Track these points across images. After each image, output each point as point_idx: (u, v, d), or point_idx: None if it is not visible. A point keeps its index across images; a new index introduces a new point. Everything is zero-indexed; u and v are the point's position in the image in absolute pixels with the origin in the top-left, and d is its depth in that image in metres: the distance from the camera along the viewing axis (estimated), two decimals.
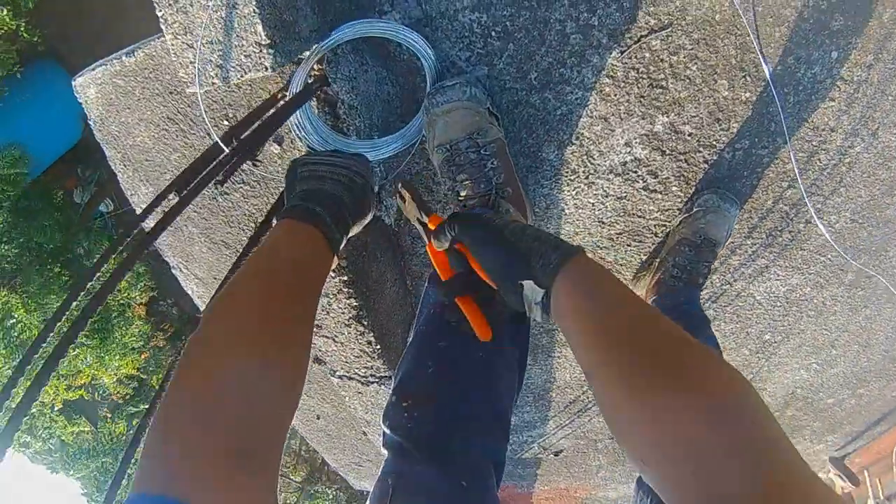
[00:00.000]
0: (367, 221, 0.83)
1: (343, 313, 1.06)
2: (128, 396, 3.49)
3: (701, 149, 0.99)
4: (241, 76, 0.84)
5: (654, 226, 1.10)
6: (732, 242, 1.11)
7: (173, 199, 0.86)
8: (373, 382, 1.20)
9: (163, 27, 0.83)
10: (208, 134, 1.21)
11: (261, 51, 0.79)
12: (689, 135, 0.97)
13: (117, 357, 3.13)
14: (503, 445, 0.78)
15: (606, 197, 1.08)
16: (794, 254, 1.13)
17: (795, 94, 0.92)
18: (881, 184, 1.01)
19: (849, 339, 1.33)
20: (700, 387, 0.45)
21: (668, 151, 1.00)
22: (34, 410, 3.33)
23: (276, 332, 0.56)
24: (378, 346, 1.10)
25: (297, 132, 0.99)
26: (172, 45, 0.84)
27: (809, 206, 1.01)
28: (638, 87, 0.93)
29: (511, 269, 0.64)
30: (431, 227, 0.77)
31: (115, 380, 3.27)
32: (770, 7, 0.85)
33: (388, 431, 0.74)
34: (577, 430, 1.56)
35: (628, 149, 1.00)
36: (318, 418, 1.83)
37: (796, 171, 0.97)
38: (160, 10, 0.82)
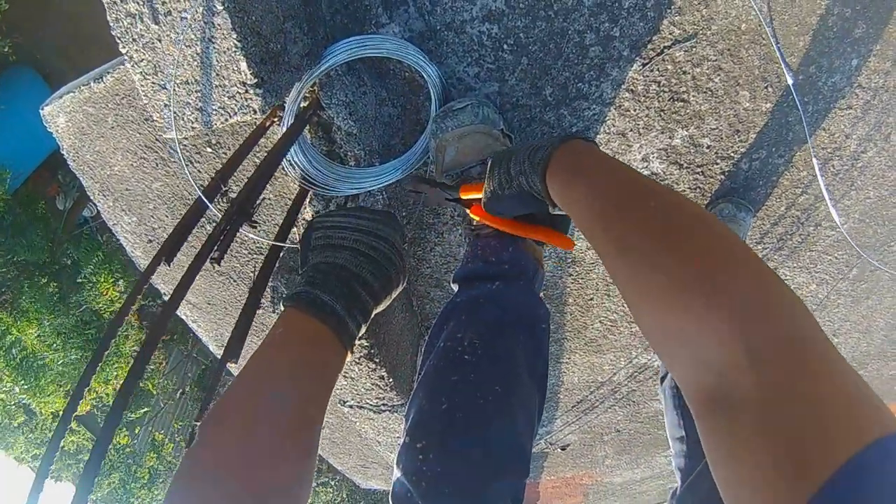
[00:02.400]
0: (396, 293, 0.74)
1: (354, 352, 0.99)
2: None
3: (719, 160, 0.95)
4: (226, 120, 0.72)
5: None
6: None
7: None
8: (385, 411, 1.15)
9: (129, 66, 0.70)
10: (201, 185, 1.09)
11: (246, 91, 0.68)
12: (708, 147, 0.93)
13: (116, 368, 3.05)
14: (523, 482, 0.72)
15: None
16: (803, 255, 1.13)
17: (815, 102, 0.89)
18: (889, 185, 1.01)
19: (850, 328, 1.37)
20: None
21: (685, 165, 0.96)
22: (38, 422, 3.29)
23: (270, 470, 0.52)
24: (391, 380, 1.04)
25: (287, 163, 0.90)
26: (142, 85, 0.72)
27: (833, 213, 0.99)
28: (658, 101, 0.88)
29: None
30: (463, 195, 0.77)
31: (112, 390, 3.19)
32: (796, 16, 0.80)
33: (399, 476, 0.67)
34: (585, 425, 1.56)
35: (645, 164, 0.96)
36: (322, 428, 1.78)
37: (820, 178, 0.95)
38: (124, 47, 0.69)
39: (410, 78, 0.89)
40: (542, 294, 0.89)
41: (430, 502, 0.63)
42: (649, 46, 0.83)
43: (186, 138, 1.04)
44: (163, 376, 3.97)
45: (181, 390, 4.25)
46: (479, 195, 0.75)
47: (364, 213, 0.73)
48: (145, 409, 3.91)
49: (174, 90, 0.70)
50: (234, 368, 0.95)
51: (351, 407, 1.18)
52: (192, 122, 0.73)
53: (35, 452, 3.34)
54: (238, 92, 0.68)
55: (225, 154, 1.01)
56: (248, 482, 0.50)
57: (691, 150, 0.94)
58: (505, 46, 0.85)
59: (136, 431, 4.08)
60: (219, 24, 0.64)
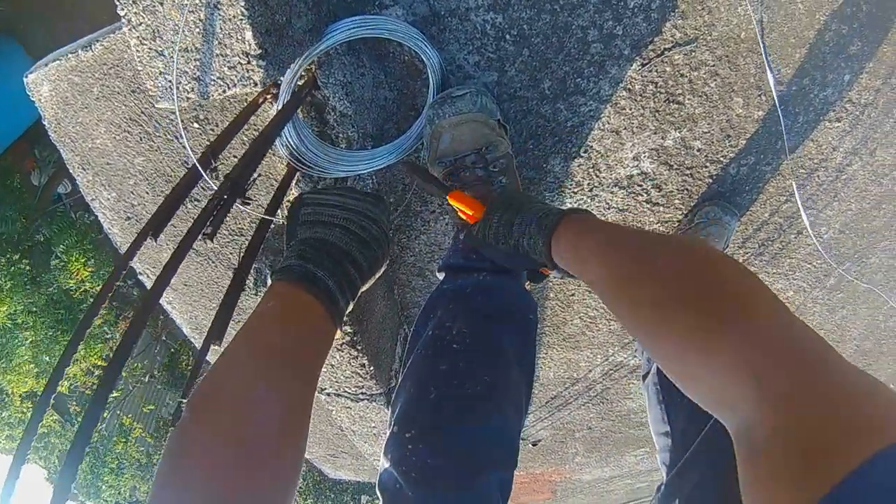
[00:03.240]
0: (379, 275, 0.72)
1: (336, 339, 0.98)
2: (94, 386, 3.32)
3: (708, 164, 0.96)
4: (224, 92, 0.70)
5: None
6: (727, 251, 1.12)
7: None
8: (363, 399, 1.14)
9: (126, 30, 0.67)
10: (185, 162, 1.06)
11: (249, 62, 0.66)
12: (699, 150, 0.95)
13: (83, 347, 2.96)
14: (511, 473, 0.72)
15: (608, 209, 1.04)
16: (783, 261, 1.16)
17: (805, 113, 0.91)
18: (871, 198, 1.04)
19: (824, 336, 1.41)
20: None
21: (675, 166, 0.97)
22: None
23: (259, 450, 0.50)
24: (371, 368, 1.03)
25: (278, 142, 0.87)
26: (138, 51, 0.69)
27: (806, 221, 1.02)
28: (654, 102, 0.89)
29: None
30: (452, 202, 0.78)
31: (82, 371, 3.09)
32: (794, 29, 0.82)
33: (387, 466, 0.66)
34: (558, 421, 1.58)
35: (636, 162, 0.97)
36: None
37: (795, 189, 0.97)
38: (122, 9, 0.66)
39: (410, 62, 0.88)
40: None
41: (420, 492, 0.63)
42: (650, 47, 0.84)
43: (177, 110, 1.01)
44: (131, 359, 3.88)
45: (150, 374, 4.17)
46: (467, 209, 0.76)
47: (355, 194, 0.71)
48: (114, 394, 3.82)
49: (174, 57, 0.67)
50: (217, 349, 0.94)
51: (329, 395, 1.16)
52: (188, 93, 0.70)
53: (7, 433, 3.24)
54: (240, 62, 0.67)
55: (212, 131, 0.99)
56: (241, 478, 0.48)
57: (682, 152, 0.95)
58: (507, 37, 0.84)
59: (105, 416, 3.99)
60: None
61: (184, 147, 0.85)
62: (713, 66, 0.85)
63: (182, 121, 0.99)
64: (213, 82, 0.69)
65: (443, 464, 0.65)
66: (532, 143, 0.96)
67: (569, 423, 1.58)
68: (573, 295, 1.24)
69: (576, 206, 1.04)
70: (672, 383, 0.94)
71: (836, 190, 1.02)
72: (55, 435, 3.61)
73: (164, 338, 4.19)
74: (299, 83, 0.81)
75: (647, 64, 0.85)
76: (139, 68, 0.71)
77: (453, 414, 0.69)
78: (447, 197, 0.78)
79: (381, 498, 0.68)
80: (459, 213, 0.80)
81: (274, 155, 0.97)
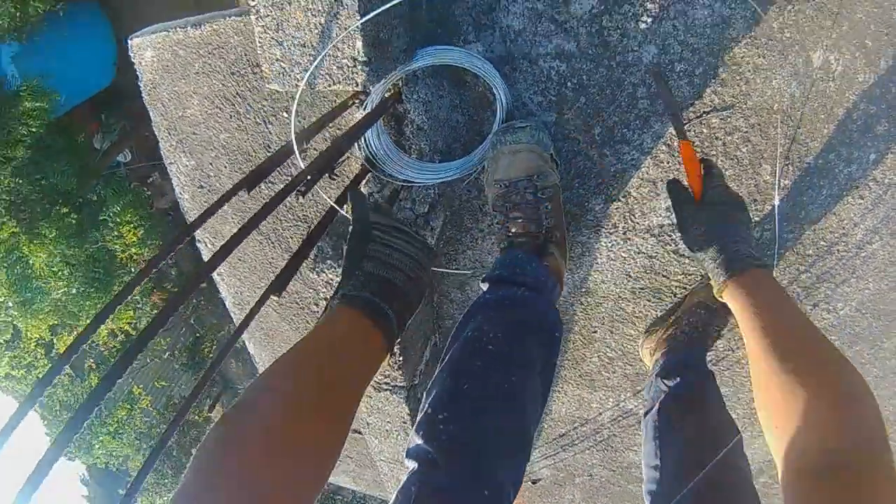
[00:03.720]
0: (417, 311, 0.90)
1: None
2: (115, 350, 3.43)
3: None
4: (329, 86, 0.86)
5: (676, 287, 1.17)
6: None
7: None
8: (385, 390, 1.22)
9: (253, 18, 0.85)
10: (267, 145, 1.21)
11: (355, 66, 0.82)
12: None
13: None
14: (524, 469, 0.80)
15: (638, 254, 1.14)
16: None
17: (830, 187, 1.00)
18: (891, 280, 1.10)
19: None
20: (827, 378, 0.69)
21: None
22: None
23: (309, 447, 0.62)
24: (401, 359, 1.13)
25: (358, 143, 1.02)
26: (261, 38, 0.86)
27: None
28: None
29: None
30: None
31: (107, 332, 3.24)
32: (824, 105, 0.93)
33: (420, 442, 0.75)
34: (560, 462, 1.61)
35: (668, 213, 1.07)
36: None
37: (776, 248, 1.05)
38: (253, 0, 0.83)
39: (482, 93, 1.03)
40: None
41: (448, 461, 0.71)
42: (690, 109, 0.96)
43: (273, 96, 1.16)
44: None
45: (170, 352, 4.30)
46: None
47: (416, 243, 0.86)
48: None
49: (290, 48, 0.83)
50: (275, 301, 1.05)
51: None
52: (297, 80, 0.86)
53: (13, 374, 3.35)
54: (347, 65, 0.82)
55: (299, 121, 1.14)
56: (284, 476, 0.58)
57: None
58: (569, 84, 0.98)
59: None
60: (347, 4, 0.77)
61: (291, 124, 0.99)
62: (746, 132, 0.96)
63: (274, 108, 1.15)
64: (321, 76, 0.85)
65: (469, 445, 0.74)
66: (578, 182, 1.08)
67: (571, 465, 1.60)
68: (595, 332, 1.31)
69: (612, 246, 1.14)
70: (668, 424, 1.01)
71: (854, 266, 1.08)
72: (62, 387, 3.70)
73: (192, 321, 4.35)
74: (387, 94, 0.97)
75: (686, 124, 0.97)
76: (259, 52, 0.87)
77: (483, 404, 0.79)
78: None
79: (411, 463, 0.76)
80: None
81: (350, 155, 1.12)
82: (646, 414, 1.10)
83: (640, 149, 1.01)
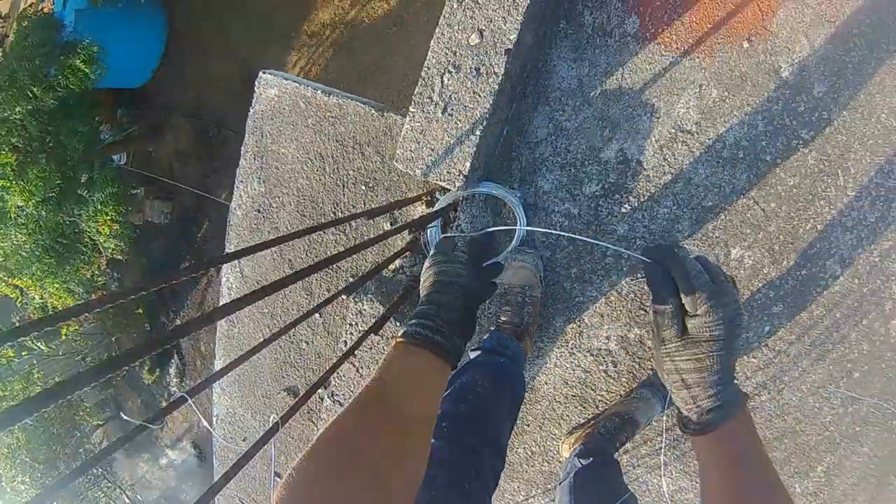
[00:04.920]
0: None
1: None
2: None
3: (651, 360, 1.49)
4: (435, 180, 1.29)
5: (599, 400, 1.56)
6: (647, 433, 1.57)
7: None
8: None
9: (407, 118, 1.29)
10: (336, 202, 1.58)
11: (459, 176, 1.27)
12: (649, 348, 1.48)
13: (57, 287, 3.06)
14: (501, 468, 1.13)
15: (577, 367, 1.54)
16: (690, 462, 1.57)
17: None
18: (774, 430, 1.49)
19: None
20: None
21: (631, 353, 1.50)
22: None
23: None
24: None
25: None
26: (406, 131, 1.31)
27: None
28: (631, 305, 1.46)
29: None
30: None
31: (39, 305, 3.18)
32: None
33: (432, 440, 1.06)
34: None
35: (607, 341, 1.50)
36: (244, 440, 2.00)
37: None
38: (414, 108, 1.29)
39: (508, 222, 1.47)
40: None
41: (450, 442, 1.04)
42: (638, 272, 1.43)
43: (360, 171, 1.53)
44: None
45: (82, 357, 4.12)
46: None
47: (480, 271, 0.93)
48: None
49: (423, 147, 1.26)
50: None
51: (335, 401, 1.53)
52: (416, 168, 1.28)
53: None
54: (453, 173, 1.27)
55: (371, 196, 1.54)
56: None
57: (638, 345, 1.48)
58: (565, 235, 1.44)
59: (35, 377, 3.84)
60: (470, 141, 1.23)
61: (358, 194, 1.37)
62: None
63: (356, 180, 1.53)
64: (433, 172, 1.28)
65: (464, 441, 1.07)
66: (550, 301, 1.51)
67: None
68: (528, 426, 1.66)
69: (559, 356, 1.55)
70: (581, 486, 1.34)
71: None
72: None
73: (113, 339, 4.29)
74: (449, 202, 1.40)
75: (635, 280, 1.43)
76: (400, 140, 1.30)
77: (475, 422, 1.15)
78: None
79: None
80: None
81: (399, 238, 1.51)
82: (560, 483, 1.44)
83: (599, 290, 1.46)
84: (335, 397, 1.52)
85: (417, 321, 0.77)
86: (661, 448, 1.56)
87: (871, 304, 1.39)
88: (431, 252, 0.89)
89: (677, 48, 1.37)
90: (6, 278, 3.16)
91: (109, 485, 4.76)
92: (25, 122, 2.80)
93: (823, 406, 1.49)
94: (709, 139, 1.38)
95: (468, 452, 1.05)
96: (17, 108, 2.72)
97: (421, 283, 0.87)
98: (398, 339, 0.75)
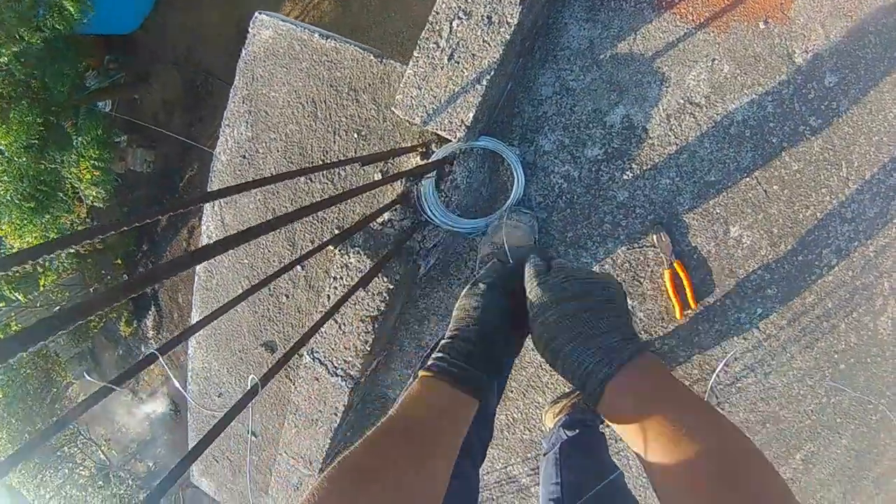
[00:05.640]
0: None
1: (368, 311, 1.36)
2: (17, 275, 3.29)
3: (643, 332, 1.46)
4: (435, 129, 1.24)
5: None
6: None
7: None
8: (338, 376, 1.46)
9: (411, 62, 1.24)
10: (325, 150, 1.52)
11: (461, 126, 1.21)
12: (640, 320, 1.45)
13: (36, 234, 3.01)
14: (489, 440, 1.11)
15: None
16: None
17: (720, 324, 1.43)
18: (758, 413, 1.49)
19: None
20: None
21: None
22: None
23: None
24: (367, 350, 1.39)
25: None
26: (408, 77, 1.25)
27: None
28: (625, 275, 1.42)
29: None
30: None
31: (18, 247, 3.12)
32: (731, 264, 1.38)
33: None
34: None
35: None
36: (219, 396, 1.95)
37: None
38: (418, 53, 1.23)
39: (504, 182, 1.43)
40: None
41: None
42: (636, 242, 1.39)
43: (352, 118, 1.47)
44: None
45: (60, 308, 4.08)
46: None
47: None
48: None
49: (424, 94, 1.21)
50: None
51: (314, 358, 1.48)
52: (416, 115, 1.23)
53: None
54: (455, 123, 1.21)
55: (363, 145, 1.48)
56: None
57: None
58: (563, 197, 1.40)
59: None
60: (476, 91, 1.17)
61: (350, 141, 1.31)
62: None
63: (349, 127, 1.47)
64: (433, 121, 1.22)
65: None
66: None
67: None
68: (511, 392, 1.63)
69: None
70: (566, 457, 1.31)
71: (729, 394, 1.48)
72: None
73: (91, 289, 4.25)
74: (446, 154, 1.34)
75: (630, 249, 1.40)
76: (402, 85, 1.25)
77: None
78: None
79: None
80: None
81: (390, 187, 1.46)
82: (545, 454, 1.41)
83: (594, 256, 1.43)
84: (315, 354, 1.47)
85: (444, 355, 0.70)
86: None
87: (862, 297, 1.40)
88: (481, 277, 0.79)
89: (693, 20, 1.34)
90: None
91: (85, 440, 4.70)
92: (11, 66, 2.72)
93: (808, 394, 1.49)
94: (717, 114, 1.35)
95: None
96: (4, 51, 2.65)
97: (459, 308, 0.77)
98: (424, 374, 0.69)
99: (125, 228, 0.66)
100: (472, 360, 0.69)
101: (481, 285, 0.77)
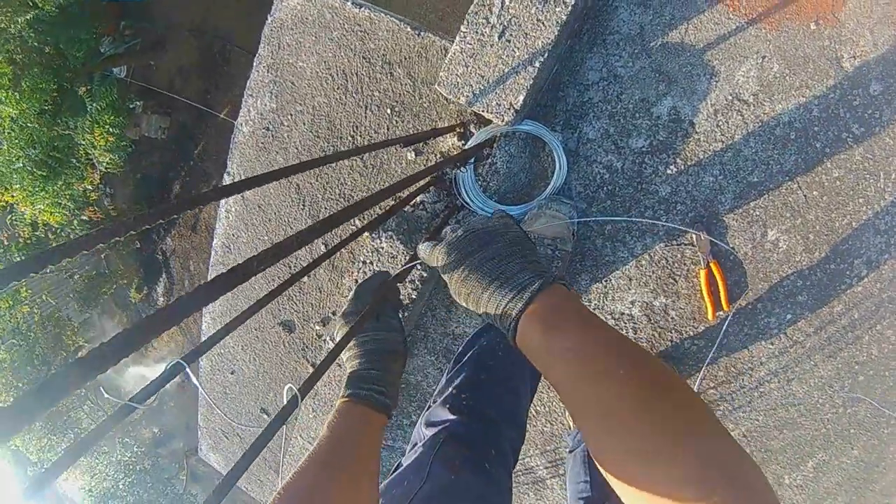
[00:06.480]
0: None
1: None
2: (28, 242, 3.20)
3: (673, 331, 1.43)
4: (480, 110, 1.18)
5: None
6: None
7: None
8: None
9: (457, 38, 1.17)
10: (355, 125, 1.44)
11: (509, 109, 1.15)
12: (672, 319, 1.42)
13: (48, 201, 2.94)
14: (520, 444, 1.10)
15: None
16: None
17: (749, 328, 1.41)
18: (777, 420, 1.47)
19: None
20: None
21: (653, 321, 1.43)
22: None
23: None
24: None
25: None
26: (455, 53, 1.18)
27: None
28: (661, 272, 1.38)
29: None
30: None
31: (29, 221, 3.03)
32: (765, 268, 1.35)
33: (446, 412, 1.03)
34: None
35: (631, 305, 1.43)
36: (232, 373, 1.90)
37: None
38: (466, 28, 1.16)
39: (545, 169, 1.38)
40: None
41: (468, 424, 1.00)
42: (676, 238, 1.36)
43: (386, 92, 1.40)
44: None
45: (69, 275, 3.99)
46: None
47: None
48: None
49: (471, 72, 1.14)
50: None
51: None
52: (461, 95, 1.17)
53: None
54: (503, 106, 1.15)
55: (396, 121, 1.42)
56: None
57: (661, 315, 1.42)
58: (604, 188, 1.36)
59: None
60: (527, 72, 1.11)
61: (383, 118, 1.25)
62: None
63: (381, 101, 1.40)
64: (479, 102, 1.16)
65: (483, 415, 1.03)
66: (578, 258, 1.42)
67: None
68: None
69: None
70: None
71: (751, 398, 1.47)
72: None
73: (103, 256, 4.18)
74: (488, 137, 1.29)
75: (668, 246, 1.36)
76: (446, 62, 1.18)
77: (494, 391, 1.10)
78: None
79: (433, 429, 1.01)
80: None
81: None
82: (571, 451, 1.38)
83: (631, 252, 1.39)
84: (336, 339, 1.42)
85: (363, 384, 0.80)
86: None
87: (887, 310, 1.38)
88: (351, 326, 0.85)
89: (745, 14, 1.30)
90: None
91: (92, 405, 4.65)
92: (24, 34, 2.65)
93: (826, 403, 1.48)
94: (764, 113, 1.31)
95: (488, 427, 1.01)
96: (18, 19, 2.57)
97: (353, 347, 0.86)
98: (342, 400, 0.79)
99: (143, 227, 0.60)
100: (382, 386, 0.80)
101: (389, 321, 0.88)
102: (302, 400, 0.72)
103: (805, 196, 1.33)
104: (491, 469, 0.94)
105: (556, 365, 0.56)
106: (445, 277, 0.71)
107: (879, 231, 1.33)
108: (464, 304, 0.69)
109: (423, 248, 0.75)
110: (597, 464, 0.53)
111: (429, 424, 1.02)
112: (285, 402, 0.68)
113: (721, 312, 1.39)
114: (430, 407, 1.09)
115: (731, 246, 1.35)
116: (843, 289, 1.38)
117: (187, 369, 0.64)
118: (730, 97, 1.32)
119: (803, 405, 1.49)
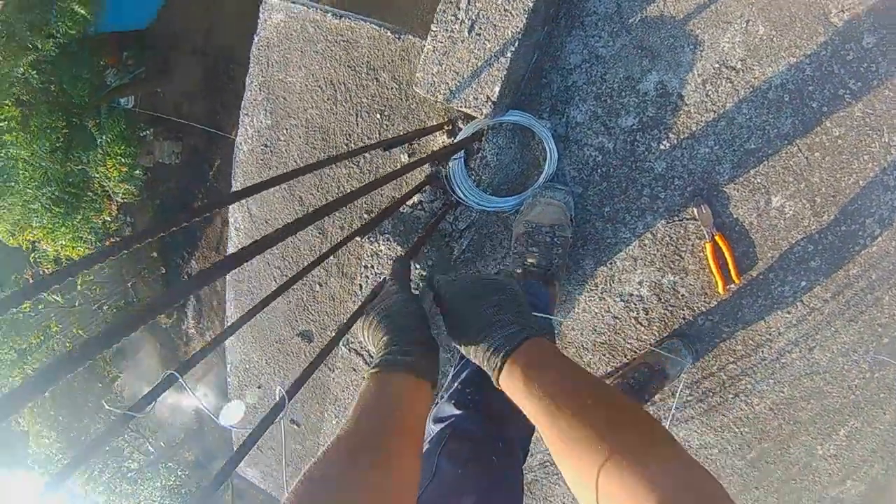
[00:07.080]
0: None
1: None
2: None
3: (685, 308, 1.40)
4: (459, 106, 1.18)
5: (628, 349, 1.48)
6: (675, 386, 1.50)
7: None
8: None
9: (429, 37, 1.17)
10: (348, 133, 1.45)
11: (486, 102, 1.15)
12: (682, 296, 1.39)
13: (69, 236, 3.01)
14: (529, 439, 1.08)
15: (607, 313, 1.46)
16: (716, 417, 1.51)
17: (763, 298, 1.37)
18: (803, 389, 1.43)
19: None
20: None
21: (663, 300, 1.41)
22: None
23: None
24: None
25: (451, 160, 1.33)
26: (427, 52, 1.19)
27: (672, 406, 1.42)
28: (666, 250, 1.36)
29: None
30: None
31: (52, 257, 3.12)
32: (773, 235, 1.32)
33: (452, 408, 1.02)
34: None
35: (639, 286, 1.41)
36: (259, 387, 1.91)
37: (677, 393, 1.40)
38: (436, 27, 1.16)
39: (536, 157, 1.37)
40: None
41: (473, 419, 0.99)
42: (675, 214, 1.34)
43: (374, 98, 1.41)
44: (92, 276, 3.81)
45: (99, 306, 4.09)
46: None
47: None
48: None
49: (446, 70, 1.15)
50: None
51: (350, 349, 1.43)
52: (438, 93, 1.17)
53: None
54: (481, 99, 1.15)
55: (386, 125, 1.43)
56: None
57: (671, 292, 1.39)
58: (599, 170, 1.35)
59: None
60: (500, 63, 1.11)
61: (375, 124, 1.26)
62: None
63: (370, 108, 1.41)
64: (457, 98, 1.16)
65: (489, 410, 1.01)
66: (580, 244, 1.41)
67: None
68: None
69: (588, 301, 1.45)
70: None
71: (774, 370, 1.42)
72: None
73: (129, 286, 4.26)
74: (474, 132, 1.29)
75: (670, 223, 1.34)
76: (421, 62, 1.18)
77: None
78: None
79: (440, 424, 1.01)
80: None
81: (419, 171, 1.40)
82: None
83: (633, 231, 1.37)
84: (350, 345, 1.43)
85: (384, 353, 0.77)
86: (686, 401, 1.49)
87: None
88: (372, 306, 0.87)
89: None
90: (17, 232, 3.07)
91: (132, 433, 4.72)
92: (27, 75, 2.72)
93: (852, 369, 1.44)
94: (754, 78, 1.29)
95: (494, 421, 0.99)
96: (19, 62, 2.64)
97: (368, 325, 0.85)
98: (371, 372, 0.74)
99: (156, 235, 0.67)
100: (406, 347, 0.77)
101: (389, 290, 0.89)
102: (289, 401, 0.72)
103: (807, 158, 1.30)
104: (499, 462, 0.94)
105: (537, 400, 0.65)
106: (448, 313, 0.83)
107: (889, 187, 1.29)
108: (456, 341, 0.80)
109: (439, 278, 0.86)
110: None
111: (436, 421, 1.01)
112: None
113: (732, 285, 1.37)
114: (437, 403, 1.08)
115: (734, 216, 1.33)
116: (857, 250, 1.34)
117: (181, 380, 0.65)
118: (717, 65, 1.30)
119: (828, 373, 1.44)
